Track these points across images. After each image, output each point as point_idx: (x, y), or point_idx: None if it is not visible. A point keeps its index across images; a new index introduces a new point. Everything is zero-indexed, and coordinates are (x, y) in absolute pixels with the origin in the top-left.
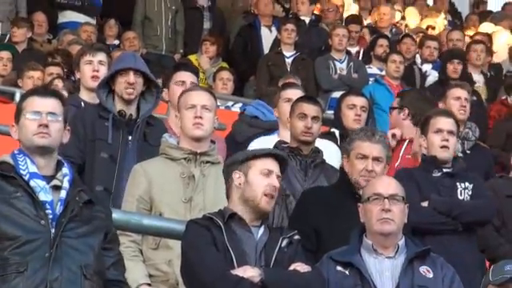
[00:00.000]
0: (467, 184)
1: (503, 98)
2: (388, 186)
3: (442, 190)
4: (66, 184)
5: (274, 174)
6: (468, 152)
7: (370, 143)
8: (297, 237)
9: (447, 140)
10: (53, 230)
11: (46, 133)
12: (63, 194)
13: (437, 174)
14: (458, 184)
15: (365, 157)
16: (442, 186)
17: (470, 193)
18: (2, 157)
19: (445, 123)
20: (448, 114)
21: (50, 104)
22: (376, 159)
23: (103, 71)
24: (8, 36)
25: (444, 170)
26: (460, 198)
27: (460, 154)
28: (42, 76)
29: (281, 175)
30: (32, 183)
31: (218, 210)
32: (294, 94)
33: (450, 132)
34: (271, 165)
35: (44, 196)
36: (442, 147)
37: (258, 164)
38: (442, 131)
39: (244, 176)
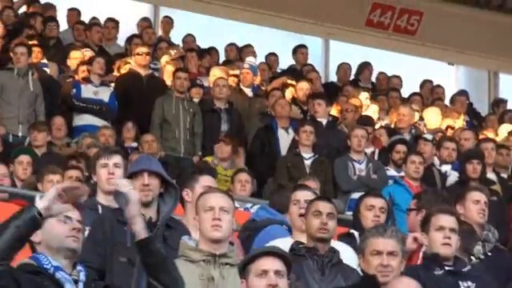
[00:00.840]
0: (470, 283)
1: None
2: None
3: None
4: (82, 277)
5: (270, 272)
6: (489, 254)
7: (383, 239)
8: None
9: (449, 238)
10: None
11: (78, 238)
12: (81, 285)
13: (439, 272)
14: (460, 283)
15: (379, 252)
16: (445, 285)
17: None
18: (23, 260)
19: (447, 221)
20: (450, 211)
21: (77, 211)
22: (390, 254)
23: (119, 174)
24: (28, 140)
25: (446, 268)
26: None
27: (482, 257)
28: (62, 180)
29: (284, 269)
30: (58, 275)
31: None
32: (303, 195)
33: (452, 230)
34: (266, 264)
35: (70, 287)
36: (444, 244)
37: (253, 267)
38: (443, 229)
39: (246, 283)
